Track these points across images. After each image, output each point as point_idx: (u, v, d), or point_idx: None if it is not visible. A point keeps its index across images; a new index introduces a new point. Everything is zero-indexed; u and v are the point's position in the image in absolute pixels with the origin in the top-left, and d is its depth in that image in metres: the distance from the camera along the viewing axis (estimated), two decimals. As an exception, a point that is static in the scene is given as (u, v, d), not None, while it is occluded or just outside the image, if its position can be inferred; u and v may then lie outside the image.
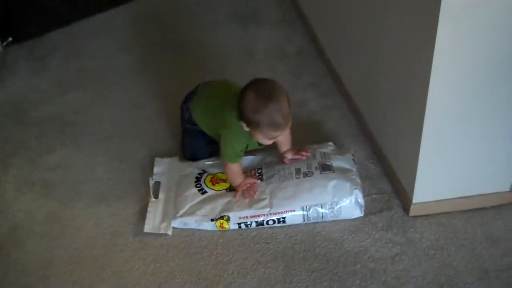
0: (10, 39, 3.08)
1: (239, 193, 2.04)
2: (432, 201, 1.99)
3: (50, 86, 2.81)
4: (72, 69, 2.92)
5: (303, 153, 2.12)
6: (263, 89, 1.87)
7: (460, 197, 2.00)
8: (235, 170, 2.06)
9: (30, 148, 2.42)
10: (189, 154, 2.25)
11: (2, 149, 2.43)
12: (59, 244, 1.99)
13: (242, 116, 1.90)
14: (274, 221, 1.99)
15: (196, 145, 2.22)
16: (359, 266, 1.86)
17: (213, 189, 2.09)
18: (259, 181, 2.07)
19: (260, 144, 2.03)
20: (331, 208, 1.98)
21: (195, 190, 2.09)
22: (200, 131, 2.16)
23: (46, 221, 2.08)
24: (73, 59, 3.00)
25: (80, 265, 1.92)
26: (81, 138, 2.46)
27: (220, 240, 1.97)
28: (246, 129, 1.92)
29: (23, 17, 3.11)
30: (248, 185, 2.05)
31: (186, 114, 2.19)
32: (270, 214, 1.98)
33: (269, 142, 1.97)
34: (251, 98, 1.86)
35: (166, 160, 2.27)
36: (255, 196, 2.02)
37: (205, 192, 2.08)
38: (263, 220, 1.99)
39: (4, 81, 2.86)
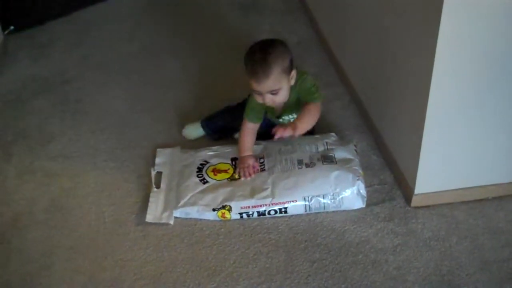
0: (12, 27, 3.07)
1: (238, 170, 2.08)
2: (434, 192, 1.99)
3: (51, 75, 2.80)
4: (73, 58, 2.92)
5: (290, 130, 1.97)
6: (262, 42, 1.99)
7: (462, 188, 2.00)
8: (243, 132, 2.10)
9: (31, 136, 2.42)
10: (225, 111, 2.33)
11: (3, 137, 2.43)
12: (61, 233, 1.99)
13: None
14: (276, 211, 1.99)
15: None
16: (360, 257, 1.86)
17: (215, 179, 2.09)
18: (259, 169, 2.08)
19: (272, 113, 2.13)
20: (333, 198, 1.98)
21: (197, 179, 2.09)
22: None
23: (48, 210, 2.08)
24: (74, 48, 3.00)
25: (82, 253, 1.92)
26: (82, 127, 2.46)
27: (222, 229, 1.97)
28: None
29: (25, 5, 3.10)
30: (247, 165, 2.07)
31: None
32: (272, 204, 1.98)
33: (262, 100, 1.99)
34: (250, 46, 1.97)
35: (168, 150, 2.27)
36: (249, 177, 2.05)
37: (207, 181, 2.08)
38: (265, 210, 1.99)
39: (5, 69, 2.85)
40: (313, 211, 1.99)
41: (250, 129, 2.12)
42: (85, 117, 2.52)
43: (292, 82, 2.01)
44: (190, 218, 2.01)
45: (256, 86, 1.95)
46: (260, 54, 1.92)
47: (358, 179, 2.00)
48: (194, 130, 2.34)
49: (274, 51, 1.93)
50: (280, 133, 1.95)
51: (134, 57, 2.90)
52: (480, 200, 2.01)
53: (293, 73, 2.00)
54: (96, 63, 2.88)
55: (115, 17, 3.26)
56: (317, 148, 2.12)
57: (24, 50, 3.00)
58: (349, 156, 2.08)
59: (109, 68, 2.84)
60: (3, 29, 3.03)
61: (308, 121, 2.04)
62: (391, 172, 2.14)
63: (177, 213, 2.01)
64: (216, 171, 2.12)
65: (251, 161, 2.09)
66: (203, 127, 2.33)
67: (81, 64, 2.88)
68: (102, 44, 3.03)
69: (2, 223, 2.04)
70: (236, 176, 2.08)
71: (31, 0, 3.11)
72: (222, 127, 2.31)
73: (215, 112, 2.35)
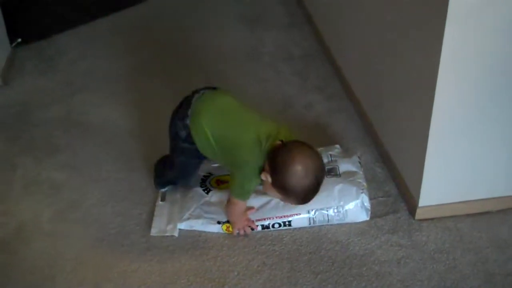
0: (19, 40, 3.10)
1: (235, 231, 1.98)
2: (438, 205, 1.99)
3: (57, 87, 2.82)
4: (79, 70, 2.94)
5: None
6: (311, 166, 1.77)
7: (466, 201, 2.00)
8: (241, 208, 1.95)
9: (37, 148, 2.43)
10: (182, 175, 2.08)
11: (10, 148, 2.44)
12: (66, 243, 2.00)
13: (275, 178, 1.78)
14: (280, 224, 1.99)
15: (191, 164, 2.07)
16: (364, 269, 1.86)
17: (218, 188, 2.10)
18: (254, 208, 2.02)
19: None
20: (337, 211, 1.98)
21: (200, 190, 2.10)
22: (197, 150, 1.96)
23: (53, 220, 2.09)
24: (80, 61, 3.02)
25: (86, 264, 1.92)
26: (88, 138, 2.47)
27: (226, 241, 1.97)
28: (265, 179, 1.81)
29: (32, 18, 3.13)
30: (246, 222, 1.98)
31: (183, 132, 1.95)
32: (276, 217, 1.99)
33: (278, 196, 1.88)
34: (297, 174, 1.75)
35: (173, 161, 2.27)
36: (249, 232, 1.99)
37: (210, 190, 2.09)
38: (269, 224, 1.99)
39: (12, 82, 2.87)
40: (317, 224, 2.00)
41: (242, 204, 1.94)
42: (90, 128, 2.53)
43: None
44: (195, 230, 2.01)
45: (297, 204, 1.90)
46: (318, 186, 1.81)
47: (362, 192, 2.00)
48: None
49: (324, 175, 1.84)
50: None
51: (139, 70, 2.92)
52: (485, 213, 2.01)
53: None
54: (101, 76, 2.89)
55: (120, 31, 3.28)
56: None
57: (31, 62, 3.02)
58: (353, 168, 2.09)
59: (114, 80, 2.85)
60: (11, 41, 3.06)
61: None
62: (395, 184, 2.14)
63: (181, 225, 2.01)
64: (220, 181, 2.12)
65: (247, 222, 1.98)
66: (164, 186, 2.15)
67: (87, 76, 2.90)
68: (107, 56, 3.05)
69: (7, 233, 2.04)
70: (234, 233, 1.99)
71: (38, 13, 3.14)
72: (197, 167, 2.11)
73: (161, 174, 2.15)
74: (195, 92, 1.99)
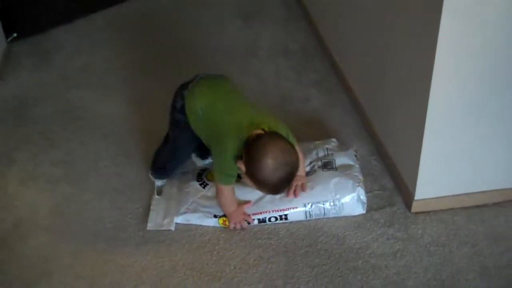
0: (15, 34, 3.09)
1: (232, 225, 1.99)
2: (434, 198, 1.99)
3: (54, 82, 2.82)
4: (75, 66, 2.94)
5: (297, 192, 1.99)
6: (282, 161, 1.76)
7: (462, 194, 2.00)
8: (226, 195, 1.95)
9: (34, 143, 2.43)
10: (173, 153, 2.09)
11: (6, 144, 2.44)
12: (63, 239, 2.00)
13: (248, 168, 1.78)
14: (276, 218, 1.99)
15: (183, 140, 2.07)
16: (360, 262, 1.86)
17: (214, 181, 2.10)
18: (251, 202, 2.02)
19: None
20: (333, 205, 1.98)
21: (197, 184, 2.10)
22: (190, 126, 2.02)
23: (50, 216, 2.09)
24: (77, 56, 3.02)
25: (83, 259, 1.93)
26: (85, 133, 2.47)
27: (223, 235, 1.98)
28: (240, 167, 1.81)
29: (28, 13, 3.12)
30: (242, 216, 1.99)
31: (179, 102, 2.02)
32: (272, 211, 1.99)
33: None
34: (268, 167, 1.75)
35: (169, 155, 2.28)
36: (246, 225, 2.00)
37: (206, 185, 2.09)
38: (265, 217, 1.99)
39: (8, 77, 2.87)
40: (313, 218, 2.00)
41: (230, 189, 1.96)
42: (86, 123, 2.53)
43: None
44: (191, 224, 2.02)
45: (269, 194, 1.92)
46: (289, 180, 1.81)
47: (358, 185, 2.00)
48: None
49: (297, 167, 1.82)
50: (296, 195, 1.99)
51: (136, 65, 2.91)
52: (480, 206, 2.02)
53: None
54: (98, 71, 2.89)
55: (116, 25, 3.27)
56: (318, 154, 2.12)
57: (27, 57, 3.02)
58: (349, 162, 2.09)
59: (110, 75, 2.85)
60: (6, 36, 3.05)
61: (303, 166, 2.03)
62: (391, 178, 2.14)
63: (178, 219, 2.02)
64: (215, 176, 2.13)
65: (241, 211, 1.98)
66: (158, 178, 2.16)
67: (83, 71, 2.89)
68: (104, 51, 3.04)
69: (4, 229, 2.04)
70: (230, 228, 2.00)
71: (34, 7, 3.12)
72: (174, 166, 2.14)
73: (155, 157, 2.16)
74: (204, 73, 2.09)
